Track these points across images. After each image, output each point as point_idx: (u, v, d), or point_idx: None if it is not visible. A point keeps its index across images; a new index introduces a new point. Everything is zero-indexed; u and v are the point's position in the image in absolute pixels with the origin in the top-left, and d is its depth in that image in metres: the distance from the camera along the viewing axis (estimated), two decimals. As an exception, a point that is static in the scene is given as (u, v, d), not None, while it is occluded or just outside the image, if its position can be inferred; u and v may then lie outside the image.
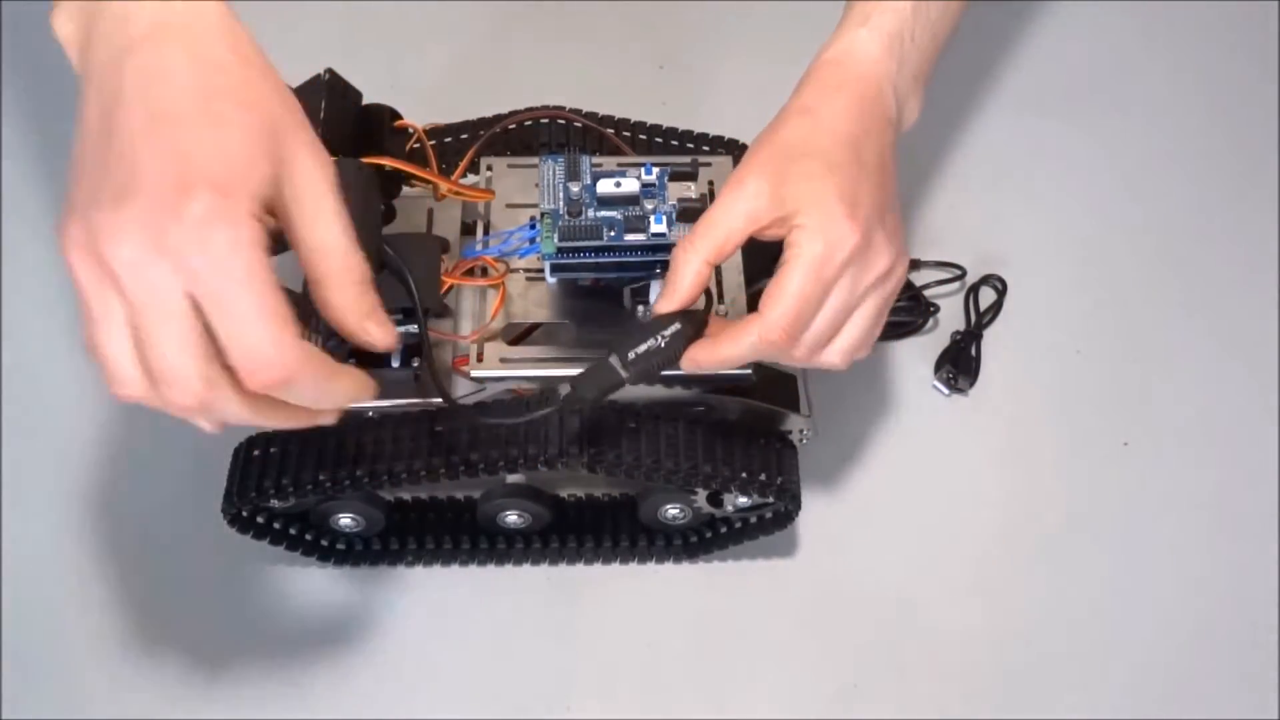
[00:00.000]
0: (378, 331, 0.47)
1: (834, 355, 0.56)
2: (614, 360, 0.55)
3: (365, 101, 0.63)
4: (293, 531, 0.66)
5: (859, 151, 0.55)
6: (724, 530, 0.67)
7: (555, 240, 0.57)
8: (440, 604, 0.67)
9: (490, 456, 0.59)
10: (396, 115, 0.65)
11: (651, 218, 0.57)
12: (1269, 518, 0.70)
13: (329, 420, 0.48)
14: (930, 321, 0.76)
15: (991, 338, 0.76)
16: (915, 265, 0.76)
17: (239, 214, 0.41)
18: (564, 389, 0.55)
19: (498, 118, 0.69)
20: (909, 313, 0.75)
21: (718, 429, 0.61)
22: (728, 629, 0.67)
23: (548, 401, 0.57)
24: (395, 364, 0.61)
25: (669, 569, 0.68)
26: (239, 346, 0.41)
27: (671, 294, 0.54)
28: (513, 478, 0.63)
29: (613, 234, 0.57)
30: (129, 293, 0.40)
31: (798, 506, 0.63)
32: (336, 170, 0.55)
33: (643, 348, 0.55)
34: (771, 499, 0.63)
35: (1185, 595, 0.68)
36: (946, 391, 0.74)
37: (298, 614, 0.67)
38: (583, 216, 0.57)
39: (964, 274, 0.77)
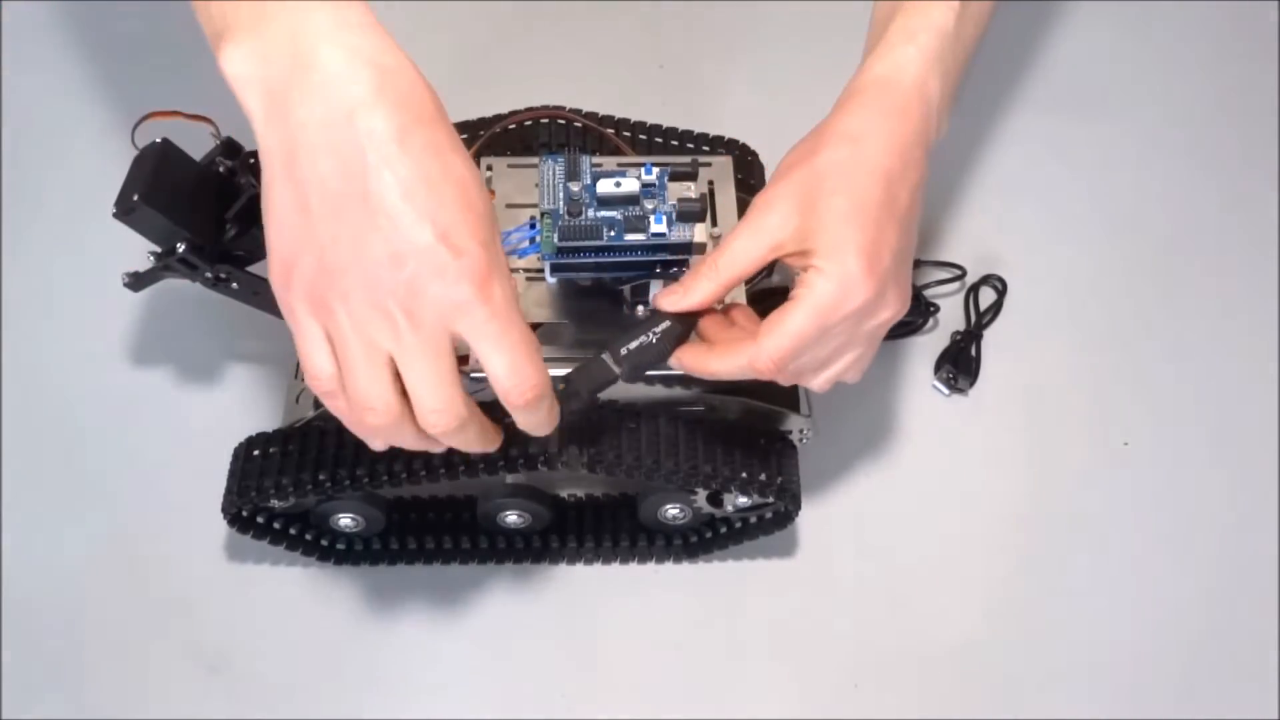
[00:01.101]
0: (552, 428, 0.53)
1: (817, 382, 0.57)
2: (606, 356, 0.56)
3: None
4: (293, 531, 0.66)
5: (893, 191, 0.54)
6: (724, 530, 0.67)
7: (555, 240, 0.57)
8: (440, 604, 0.67)
9: (490, 456, 0.59)
10: None
11: (651, 218, 0.57)
12: (1269, 518, 0.70)
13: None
14: (930, 321, 0.76)
15: (991, 338, 0.76)
16: (915, 265, 0.76)
17: (502, 260, 0.48)
18: (558, 386, 0.56)
19: (498, 117, 0.69)
20: (909, 313, 0.75)
21: (718, 429, 0.61)
22: (728, 629, 0.67)
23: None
24: None
25: (669, 569, 0.68)
26: (427, 404, 0.49)
27: (680, 299, 0.55)
28: (512, 478, 0.63)
29: (613, 234, 0.57)
30: (379, 340, 0.47)
31: (797, 506, 0.63)
32: None
33: (635, 344, 0.56)
34: (771, 499, 0.63)
35: (1185, 595, 0.68)
36: (946, 391, 0.74)
37: (297, 614, 0.67)
38: (583, 216, 0.57)
39: (964, 274, 0.77)
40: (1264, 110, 0.86)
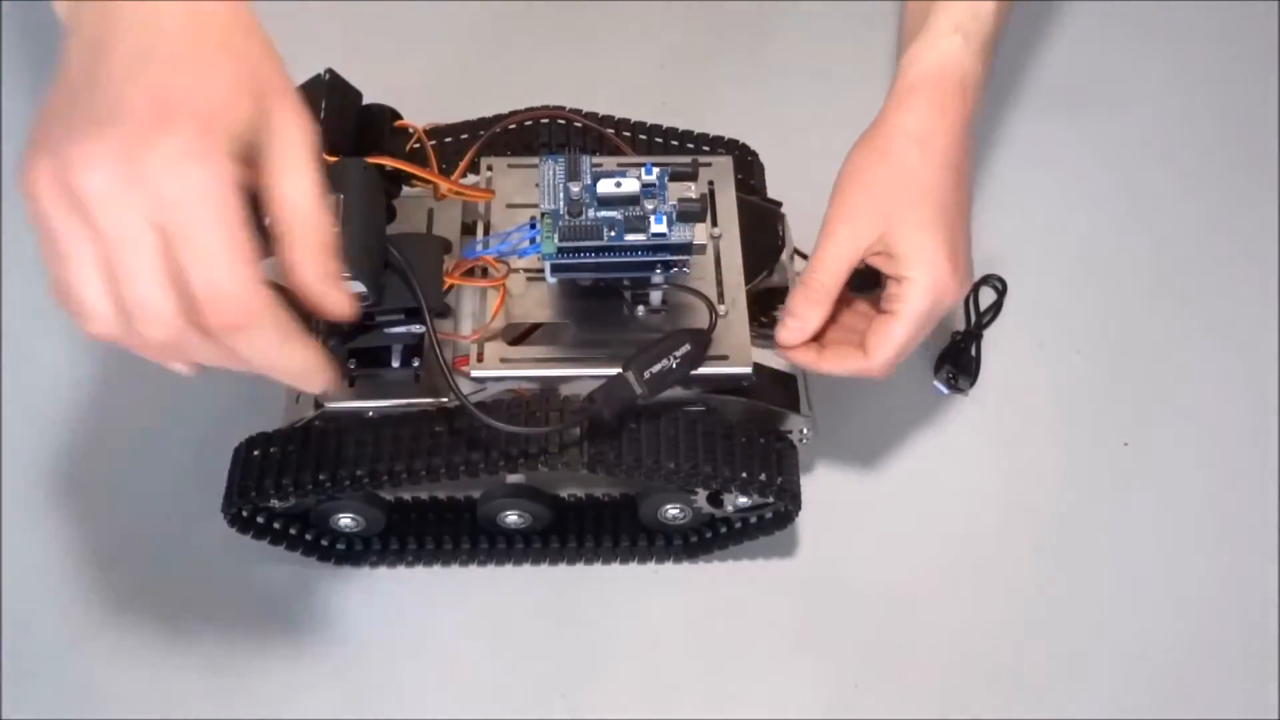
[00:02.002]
0: (335, 295, 0.45)
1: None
2: (630, 375, 0.57)
3: (365, 101, 0.63)
4: (293, 531, 0.66)
5: (960, 184, 0.58)
6: (724, 530, 0.67)
7: (555, 240, 0.57)
8: (440, 604, 0.67)
9: (491, 457, 0.59)
10: (397, 115, 0.65)
11: (652, 218, 0.57)
12: (1269, 518, 0.70)
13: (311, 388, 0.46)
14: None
15: (991, 338, 0.76)
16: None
17: (216, 150, 0.40)
18: (570, 399, 0.57)
19: (498, 118, 0.69)
20: None
21: (718, 429, 0.61)
22: (728, 629, 0.67)
23: (560, 411, 0.58)
24: (395, 364, 0.61)
25: (669, 569, 0.68)
26: (203, 279, 0.40)
27: (800, 332, 0.59)
28: (513, 478, 0.63)
29: (613, 234, 0.57)
30: (101, 225, 0.39)
31: (798, 506, 0.63)
32: (340, 170, 0.55)
33: (657, 367, 0.58)
34: (771, 499, 0.63)
35: (1185, 595, 0.68)
36: (946, 391, 0.74)
37: (297, 614, 0.67)
38: (583, 217, 0.57)
39: (964, 301, 0.77)
40: (1264, 110, 0.86)
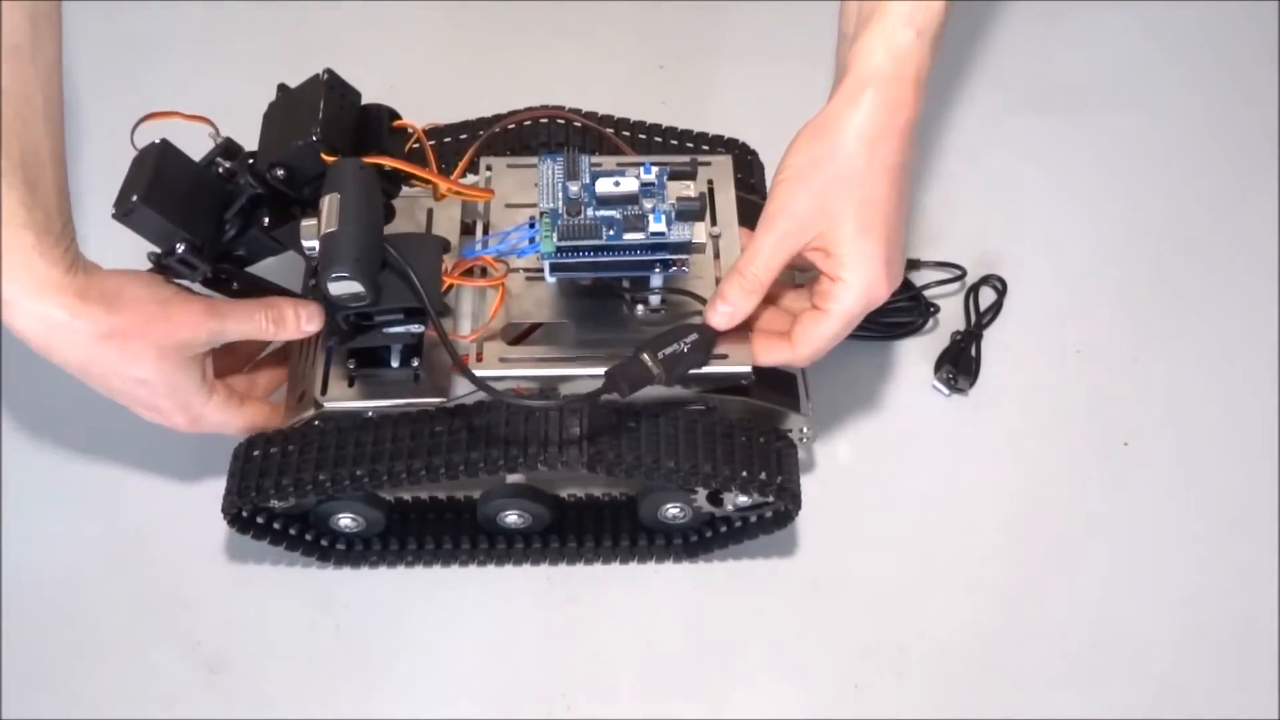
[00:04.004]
0: (310, 327, 0.62)
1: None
2: (645, 357, 0.57)
3: (364, 102, 0.63)
4: (293, 531, 0.66)
5: (903, 189, 0.59)
6: (724, 530, 0.67)
7: (554, 239, 0.57)
8: (440, 604, 0.67)
9: (491, 456, 0.59)
10: (395, 115, 0.65)
11: (650, 216, 0.57)
12: (1269, 518, 0.70)
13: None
14: (930, 322, 0.76)
15: (991, 338, 0.76)
16: (915, 265, 0.76)
17: (201, 410, 0.61)
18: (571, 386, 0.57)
19: (497, 117, 0.69)
20: (909, 313, 0.75)
21: (718, 428, 0.61)
22: (728, 629, 0.67)
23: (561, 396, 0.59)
24: (394, 364, 0.61)
25: (669, 569, 0.68)
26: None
27: (730, 317, 0.59)
28: (513, 478, 0.63)
29: (611, 233, 0.57)
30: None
31: (798, 506, 0.63)
32: (336, 170, 0.55)
33: (669, 349, 0.58)
34: (771, 498, 0.63)
35: (1185, 594, 0.68)
36: (946, 391, 0.74)
37: (297, 614, 0.67)
38: (582, 216, 0.57)
39: (964, 274, 0.77)
40: (1264, 110, 0.86)
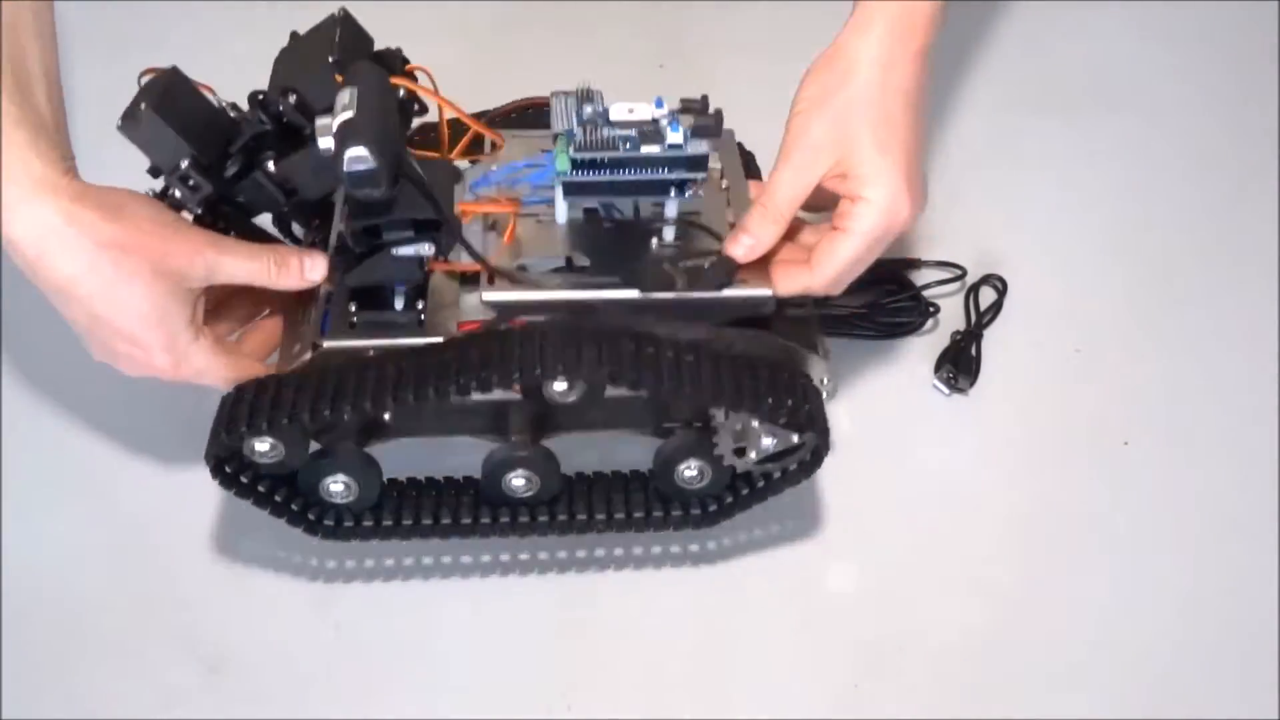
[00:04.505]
0: (315, 276, 0.60)
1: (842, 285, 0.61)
2: (666, 265, 0.58)
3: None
4: (279, 498, 0.63)
5: (918, 114, 0.58)
6: (745, 491, 0.64)
7: (570, 153, 0.56)
8: (440, 605, 0.67)
9: (506, 368, 0.55)
10: (406, 60, 0.64)
11: (668, 128, 0.56)
12: (1269, 517, 0.70)
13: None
14: (930, 322, 0.76)
15: (991, 338, 0.76)
16: (915, 265, 0.76)
17: (186, 349, 0.58)
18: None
19: (497, 109, 0.69)
20: (909, 313, 0.75)
21: (741, 360, 0.60)
22: (728, 629, 0.67)
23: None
24: (399, 306, 0.60)
25: (669, 570, 0.68)
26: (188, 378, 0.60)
27: (753, 249, 0.59)
28: (517, 437, 0.62)
29: (628, 146, 0.56)
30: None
31: (827, 443, 0.60)
32: (355, 70, 0.56)
33: (690, 263, 0.58)
34: (798, 438, 0.60)
35: (1185, 595, 0.68)
36: (946, 391, 0.74)
37: (297, 614, 0.67)
38: (597, 134, 0.56)
39: (964, 274, 0.77)
40: (1264, 110, 0.86)
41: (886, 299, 0.75)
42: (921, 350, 0.76)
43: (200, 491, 0.67)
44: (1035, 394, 0.75)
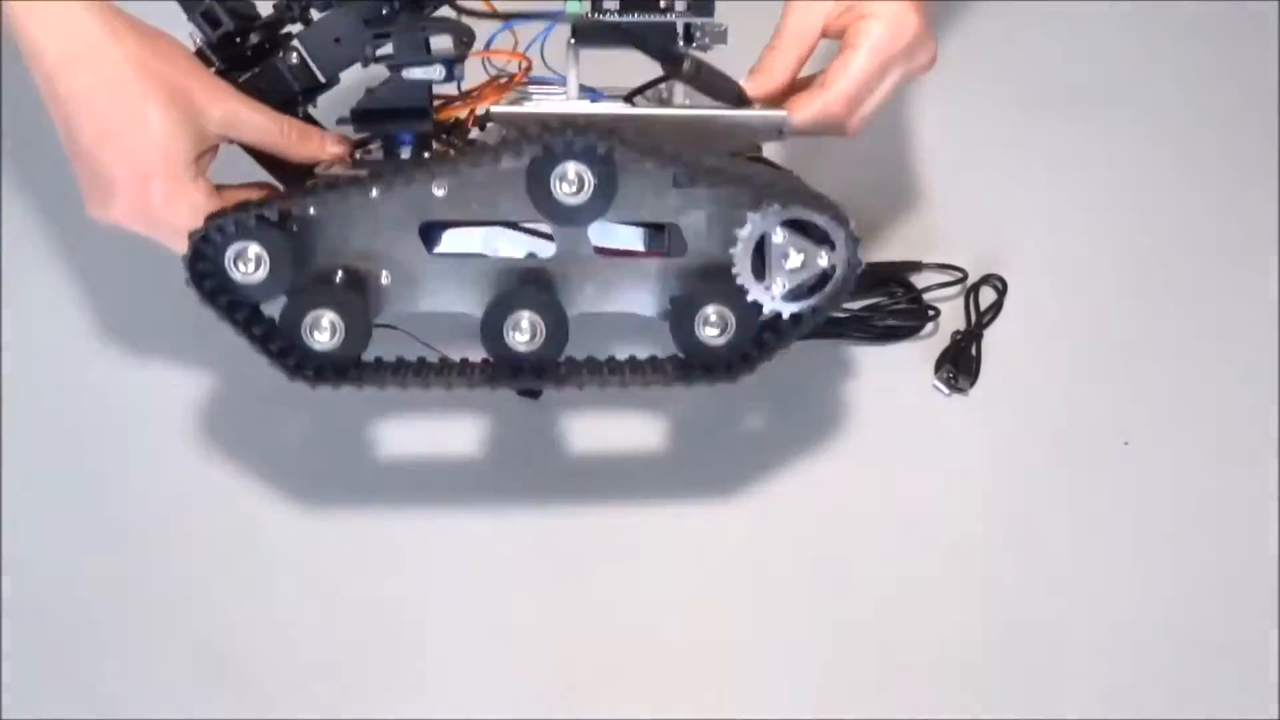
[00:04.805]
0: (335, 149, 0.60)
1: (859, 118, 0.61)
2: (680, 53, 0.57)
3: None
4: (258, 330, 0.59)
5: None
6: (770, 336, 0.59)
7: None
8: (442, 605, 0.67)
9: (508, 139, 0.54)
10: None
11: None
12: (1269, 517, 0.70)
13: None
14: (930, 326, 0.76)
15: (991, 338, 0.76)
16: (916, 267, 0.76)
17: (184, 184, 0.56)
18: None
19: None
20: (910, 316, 0.75)
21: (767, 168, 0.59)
22: (728, 629, 0.67)
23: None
24: (404, 155, 0.60)
25: (669, 570, 0.68)
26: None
27: (767, 81, 0.60)
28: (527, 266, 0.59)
29: None
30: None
31: (857, 251, 0.56)
32: None
33: (706, 66, 0.58)
34: (826, 258, 0.56)
35: (1185, 594, 0.68)
36: (946, 391, 0.74)
37: (297, 614, 0.67)
38: None
39: (965, 277, 0.77)
40: (1264, 110, 0.86)
41: (887, 302, 0.74)
42: (922, 350, 0.76)
43: (203, 493, 0.67)
44: (1035, 394, 0.74)
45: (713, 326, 0.57)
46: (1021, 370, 0.75)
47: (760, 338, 0.59)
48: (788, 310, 0.58)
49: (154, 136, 0.55)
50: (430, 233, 0.60)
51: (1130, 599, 0.68)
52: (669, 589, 0.68)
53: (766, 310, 0.58)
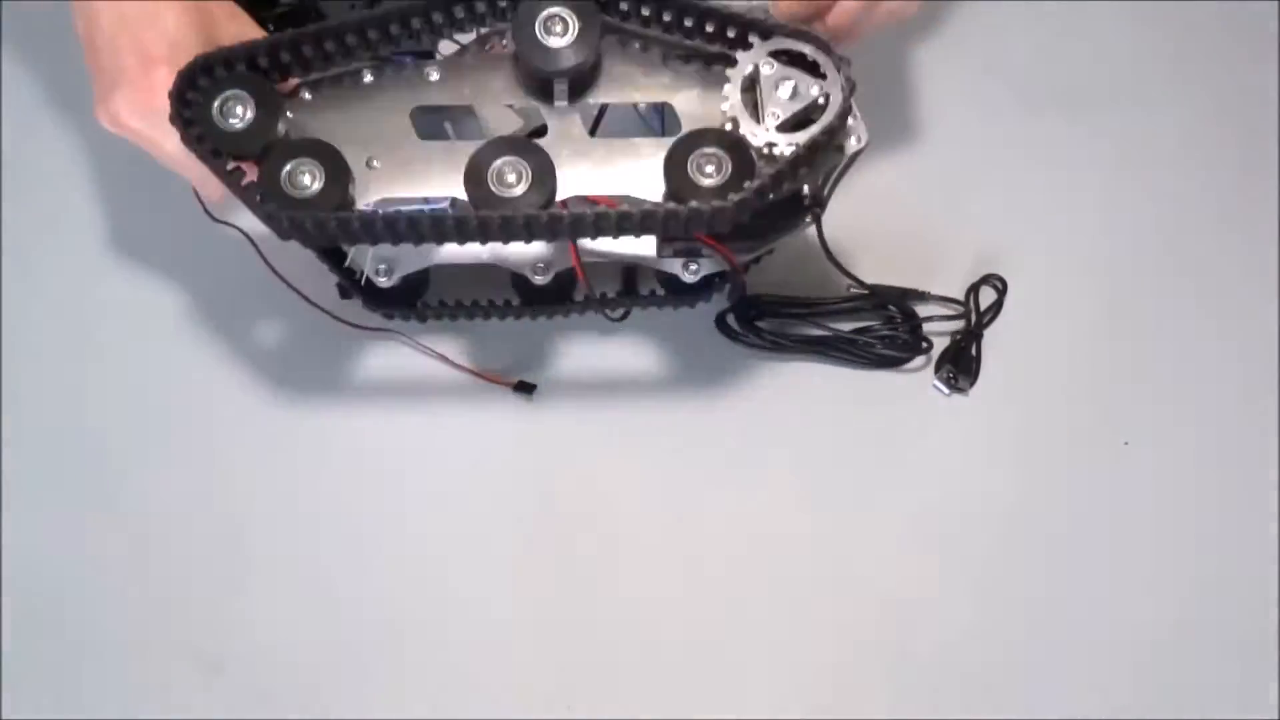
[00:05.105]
0: None
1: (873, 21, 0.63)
2: None
3: None
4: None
5: None
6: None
7: None
8: (441, 605, 0.67)
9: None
10: None
11: None
12: (1269, 517, 0.70)
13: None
14: (923, 359, 0.75)
15: (991, 338, 0.76)
16: (921, 297, 0.75)
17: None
18: None
19: None
20: (904, 347, 0.74)
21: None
22: (728, 630, 0.67)
23: None
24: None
25: (668, 570, 0.68)
26: None
27: (790, 7, 0.60)
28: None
29: None
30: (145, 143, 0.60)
31: (849, 75, 0.55)
32: None
33: None
34: (819, 91, 0.56)
35: (1185, 594, 0.68)
36: (946, 391, 0.74)
37: (297, 613, 0.67)
38: None
39: (966, 307, 0.76)
40: (1264, 110, 0.86)
41: (883, 329, 0.74)
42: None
43: (202, 493, 0.67)
44: (1035, 394, 0.74)
45: (709, 163, 0.56)
46: (1021, 370, 0.75)
47: (755, 176, 0.56)
48: (784, 142, 0.56)
49: (167, 32, 0.58)
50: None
51: (1130, 599, 0.68)
52: (669, 589, 0.68)
53: (761, 142, 0.56)
